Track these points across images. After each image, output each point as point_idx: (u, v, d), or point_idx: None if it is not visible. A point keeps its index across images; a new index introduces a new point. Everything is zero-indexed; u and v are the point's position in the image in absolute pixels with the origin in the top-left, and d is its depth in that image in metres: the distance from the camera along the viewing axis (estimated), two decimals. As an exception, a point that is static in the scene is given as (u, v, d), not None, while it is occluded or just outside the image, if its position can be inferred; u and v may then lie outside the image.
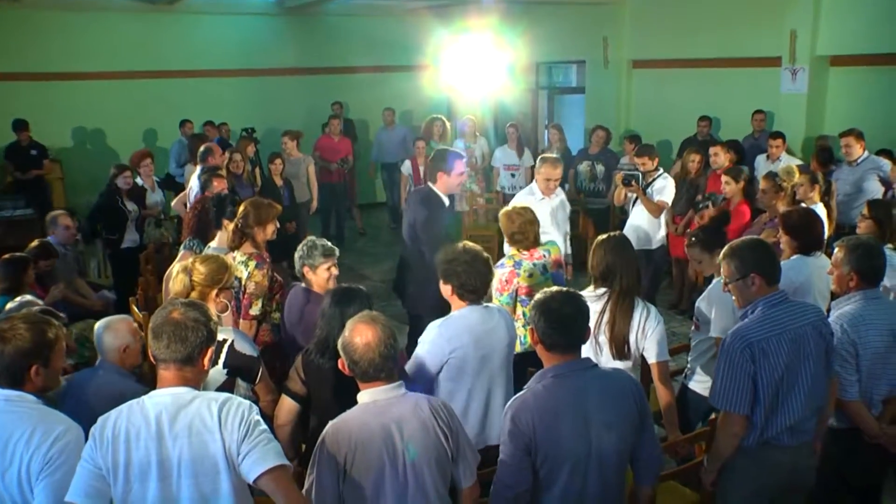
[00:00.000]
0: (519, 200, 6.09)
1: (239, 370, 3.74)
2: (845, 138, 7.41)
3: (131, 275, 7.06)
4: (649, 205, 7.04)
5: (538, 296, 2.96)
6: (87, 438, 2.61)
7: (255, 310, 4.66)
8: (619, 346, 3.90)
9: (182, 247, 5.66)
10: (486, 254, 3.80)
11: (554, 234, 6.03)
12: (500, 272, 4.62)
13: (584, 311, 2.93)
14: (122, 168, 7.74)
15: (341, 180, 11.24)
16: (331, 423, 2.78)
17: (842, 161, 7.73)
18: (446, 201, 5.47)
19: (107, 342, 3.85)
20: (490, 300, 4.40)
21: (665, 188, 7.08)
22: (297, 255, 4.43)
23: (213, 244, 5.20)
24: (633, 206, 7.31)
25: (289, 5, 12.32)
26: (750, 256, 3.34)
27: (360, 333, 2.79)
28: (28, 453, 2.66)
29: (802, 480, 3.41)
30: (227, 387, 3.66)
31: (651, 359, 3.94)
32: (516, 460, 2.82)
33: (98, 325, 3.94)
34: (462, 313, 3.71)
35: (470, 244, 3.83)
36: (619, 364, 3.83)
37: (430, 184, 5.51)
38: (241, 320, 4.71)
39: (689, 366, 4.48)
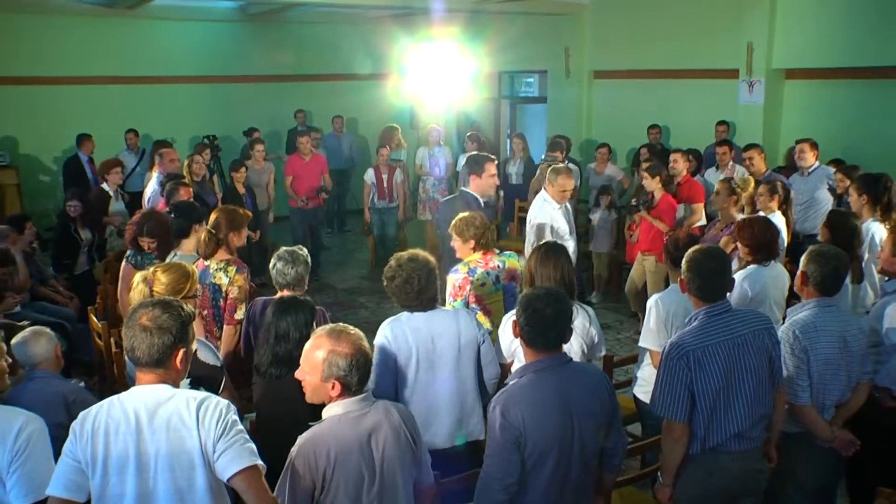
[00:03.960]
0: (538, 209, 6.28)
1: (201, 379, 3.72)
2: (800, 145, 7.55)
3: (86, 293, 7.10)
4: None
5: (526, 291, 3.08)
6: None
7: (240, 314, 4.70)
8: None
9: (124, 261, 5.47)
10: (429, 264, 3.80)
11: (572, 241, 6.20)
12: (455, 278, 4.63)
13: (566, 312, 3.02)
14: (72, 196, 7.74)
15: (319, 205, 10.15)
16: (303, 438, 2.76)
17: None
18: (481, 202, 5.59)
19: (38, 351, 3.89)
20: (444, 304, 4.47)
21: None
22: (295, 263, 4.35)
23: (178, 252, 5.15)
24: None
25: (252, 12, 12.29)
26: (687, 270, 3.45)
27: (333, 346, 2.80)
28: None
29: (752, 485, 3.48)
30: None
31: (600, 353, 4.22)
32: (507, 452, 2.90)
33: (18, 338, 3.92)
34: (409, 315, 3.77)
35: (411, 255, 3.81)
36: None
37: (463, 188, 5.65)
38: (225, 326, 4.72)
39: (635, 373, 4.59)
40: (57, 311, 6.46)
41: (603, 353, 4.29)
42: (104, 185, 8.37)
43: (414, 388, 3.71)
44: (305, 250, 4.49)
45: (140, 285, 3.83)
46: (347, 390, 2.78)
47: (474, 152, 6.58)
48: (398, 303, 3.80)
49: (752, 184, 6.20)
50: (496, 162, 5.65)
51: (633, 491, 4.10)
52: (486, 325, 4.53)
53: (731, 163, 8.36)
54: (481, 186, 5.66)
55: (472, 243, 4.69)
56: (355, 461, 2.73)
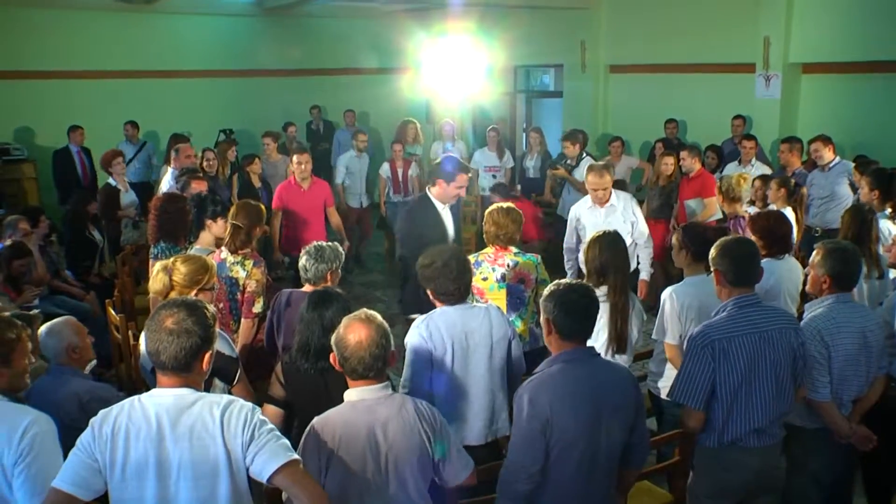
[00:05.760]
0: (575, 207, 6.22)
1: (217, 370, 3.74)
2: (814, 143, 7.48)
3: (103, 293, 7.10)
4: (576, 183, 8.24)
5: (552, 288, 3.10)
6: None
7: (258, 307, 4.75)
8: (622, 342, 4.07)
9: (151, 256, 5.50)
10: (463, 253, 3.85)
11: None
12: None
13: (597, 302, 3.11)
14: (86, 196, 7.74)
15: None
16: (317, 417, 2.82)
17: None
18: (439, 207, 5.39)
19: (52, 346, 3.87)
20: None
21: (582, 169, 8.21)
22: (317, 260, 4.36)
23: (196, 245, 5.19)
24: (562, 189, 8.80)
25: (268, 6, 12.32)
26: (717, 253, 3.48)
27: (353, 331, 2.83)
28: None
29: (770, 481, 3.48)
30: (204, 387, 3.67)
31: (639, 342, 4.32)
32: (532, 440, 2.91)
33: (41, 331, 3.92)
34: (442, 310, 3.77)
35: (448, 247, 3.87)
36: (619, 358, 4.08)
37: (427, 189, 5.49)
38: (243, 319, 4.77)
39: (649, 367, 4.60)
40: (75, 306, 6.51)
41: (641, 342, 4.37)
42: (109, 180, 8.28)
43: (448, 384, 3.72)
44: (340, 248, 4.48)
45: (160, 274, 3.88)
46: (350, 375, 2.85)
47: (452, 156, 6.19)
48: (435, 290, 3.78)
49: (746, 180, 6.17)
50: (469, 174, 5.42)
51: (649, 485, 4.09)
52: None
53: (754, 159, 8.30)
54: (445, 194, 5.38)
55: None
56: (360, 448, 2.75)
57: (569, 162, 8.87)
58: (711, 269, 3.54)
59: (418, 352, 3.67)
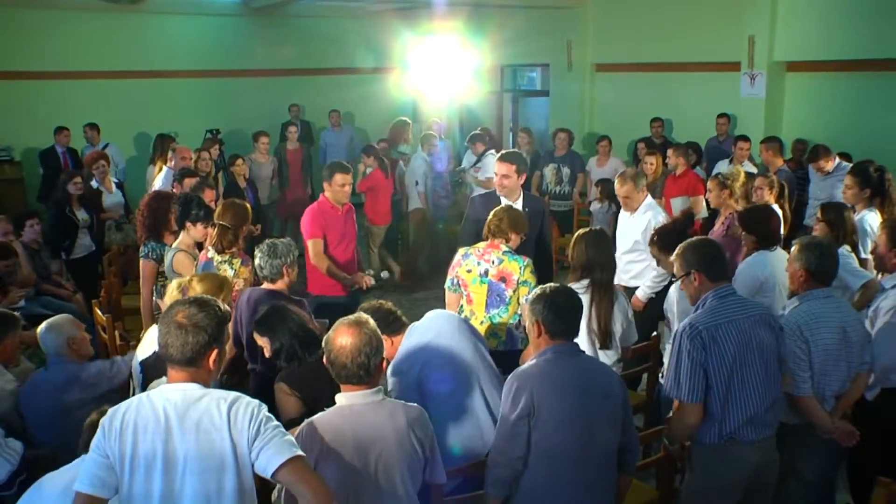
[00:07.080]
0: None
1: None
2: (823, 160, 7.32)
3: (89, 281, 7.06)
4: (476, 180, 8.93)
5: (538, 291, 3.20)
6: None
7: None
8: (604, 337, 4.13)
9: (141, 255, 5.47)
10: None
11: (634, 256, 5.75)
12: (455, 257, 4.78)
13: (581, 304, 3.28)
14: (72, 175, 7.66)
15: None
16: (307, 420, 2.82)
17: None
18: (504, 201, 5.29)
19: (51, 339, 4.04)
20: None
21: (484, 166, 9.08)
22: (270, 256, 4.40)
23: (174, 245, 5.17)
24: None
25: (254, 6, 12.29)
26: (690, 255, 3.53)
27: (340, 335, 2.84)
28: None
29: (768, 476, 3.50)
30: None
31: (633, 339, 4.39)
32: (514, 426, 2.99)
33: (40, 328, 4.09)
34: (420, 329, 3.76)
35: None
36: (604, 354, 4.15)
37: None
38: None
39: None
40: (61, 306, 6.46)
41: (636, 338, 4.41)
42: (93, 183, 8.22)
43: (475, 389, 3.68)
44: (293, 243, 4.53)
45: (175, 293, 3.94)
46: (337, 378, 2.86)
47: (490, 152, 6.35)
48: (395, 331, 3.77)
49: (743, 175, 6.22)
50: (514, 165, 5.52)
51: (636, 482, 4.10)
52: (466, 311, 4.65)
53: (745, 160, 8.33)
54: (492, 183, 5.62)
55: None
56: (348, 454, 2.75)
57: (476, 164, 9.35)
58: (689, 271, 3.53)
59: (406, 377, 3.62)
